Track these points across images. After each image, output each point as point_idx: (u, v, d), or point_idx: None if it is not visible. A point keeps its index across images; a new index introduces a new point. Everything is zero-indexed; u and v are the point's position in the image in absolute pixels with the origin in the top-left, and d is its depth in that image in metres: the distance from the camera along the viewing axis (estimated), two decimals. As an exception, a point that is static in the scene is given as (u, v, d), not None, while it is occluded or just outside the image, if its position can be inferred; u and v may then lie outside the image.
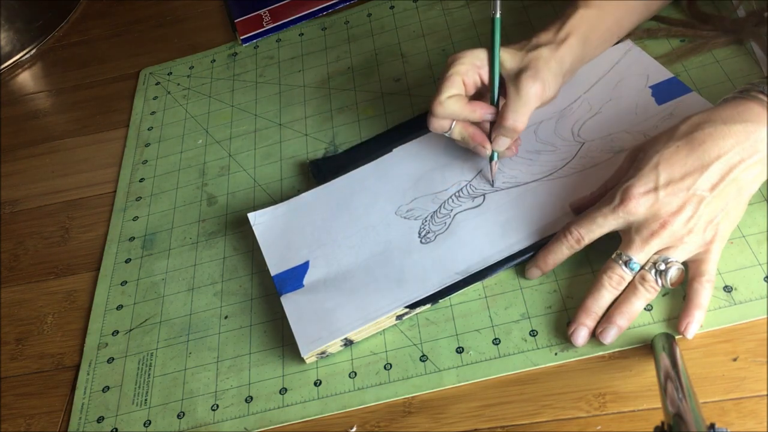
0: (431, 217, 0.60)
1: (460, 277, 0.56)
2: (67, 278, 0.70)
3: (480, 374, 0.52)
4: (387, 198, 0.63)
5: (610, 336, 0.50)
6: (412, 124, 0.69)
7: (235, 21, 0.89)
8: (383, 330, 0.56)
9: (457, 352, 0.53)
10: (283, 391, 0.55)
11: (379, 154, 0.67)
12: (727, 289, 0.51)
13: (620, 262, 0.50)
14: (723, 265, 0.52)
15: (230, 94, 0.81)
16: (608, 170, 0.56)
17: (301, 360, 0.56)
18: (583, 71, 0.64)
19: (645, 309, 0.51)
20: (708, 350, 0.49)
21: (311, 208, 0.65)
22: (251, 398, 0.55)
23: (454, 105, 0.57)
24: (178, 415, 0.56)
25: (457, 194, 0.61)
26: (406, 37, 0.80)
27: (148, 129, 0.81)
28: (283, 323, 0.59)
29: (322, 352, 0.56)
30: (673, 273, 0.49)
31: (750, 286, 0.50)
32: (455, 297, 0.56)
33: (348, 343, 0.56)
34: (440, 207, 0.61)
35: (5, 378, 0.64)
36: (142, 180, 0.75)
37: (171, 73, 0.87)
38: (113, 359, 0.61)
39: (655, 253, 0.50)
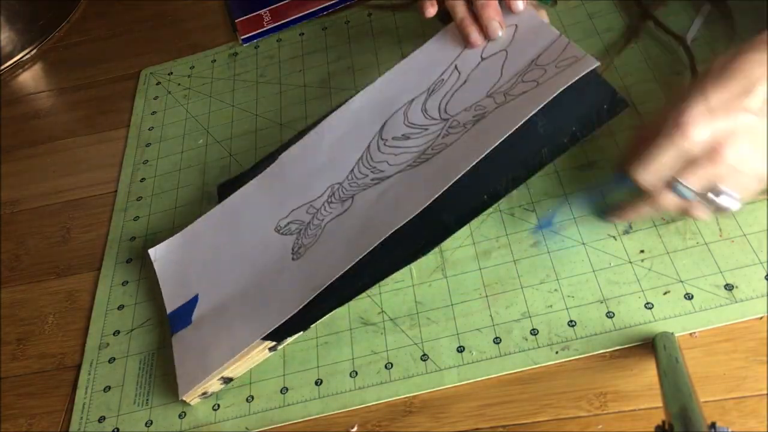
0: (305, 229, 0.56)
1: (314, 294, 0.51)
2: (68, 278, 0.70)
3: (481, 373, 0.52)
4: (268, 214, 0.59)
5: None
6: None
7: (236, 21, 0.89)
8: (384, 328, 0.56)
9: (457, 351, 0.53)
10: (284, 390, 0.55)
11: (269, 160, 0.62)
12: (728, 287, 0.51)
13: (675, 190, 0.47)
14: (724, 263, 0.52)
15: (231, 94, 0.81)
16: (472, 146, 0.50)
17: (304, 359, 0.56)
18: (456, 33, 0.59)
19: (645, 307, 0.51)
20: (709, 349, 0.49)
21: (204, 235, 0.61)
22: (252, 398, 0.55)
23: None
24: (180, 415, 0.56)
25: (328, 200, 0.56)
26: (406, 37, 0.80)
27: (149, 129, 0.81)
28: (283, 323, 0.59)
29: (204, 393, 0.55)
30: (725, 202, 0.47)
31: (751, 284, 0.50)
32: (456, 296, 0.56)
33: (227, 380, 0.54)
34: (313, 217, 0.56)
35: (6, 378, 0.64)
36: (143, 180, 0.75)
37: (171, 73, 0.87)
38: (114, 359, 0.61)
39: (708, 181, 0.47)
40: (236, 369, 0.54)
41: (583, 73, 0.49)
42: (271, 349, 0.54)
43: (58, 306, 0.68)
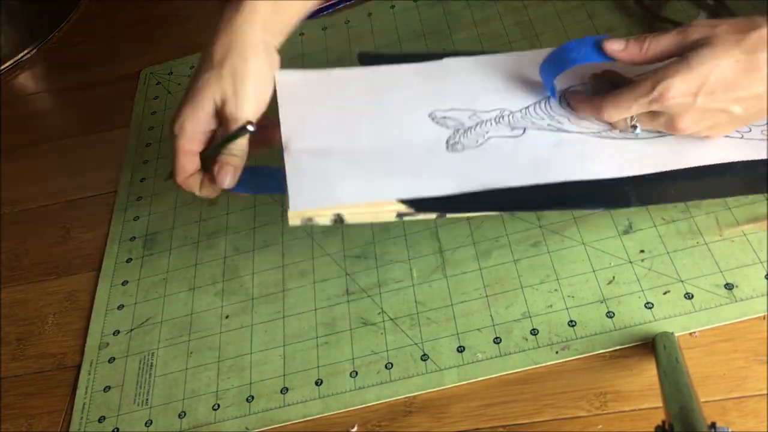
0: (465, 131, 0.57)
1: (479, 188, 0.52)
2: (68, 278, 0.70)
3: (481, 373, 0.52)
4: (422, 99, 0.60)
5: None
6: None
7: (236, 21, 0.89)
8: (384, 328, 0.56)
9: (458, 351, 0.53)
10: (284, 390, 0.55)
11: (428, 59, 0.64)
12: (728, 286, 0.51)
13: (630, 125, 0.53)
14: (724, 262, 0.52)
15: (231, 94, 0.81)
16: (658, 144, 0.54)
17: (304, 359, 0.56)
18: None
19: (645, 307, 0.51)
20: (709, 349, 0.49)
21: (342, 84, 0.60)
22: (252, 398, 0.55)
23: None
24: (180, 415, 0.56)
25: (497, 119, 0.58)
26: (406, 37, 0.79)
27: (149, 129, 0.81)
28: (284, 322, 0.59)
29: (309, 218, 0.52)
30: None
31: (751, 283, 0.50)
32: (456, 296, 0.56)
33: (339, 220, 0.52)
34: (476, 125, 0.58)
35: (6, 378, 0.64)
36: (142, 180, 0.75)
37: (172, 72, 0.87)
38: (114, 359, 0.61)
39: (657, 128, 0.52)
40: (356, 215, 0.52)
41: None
42: (399, 214, 0.52)
43: (58, 306, 0.68)
